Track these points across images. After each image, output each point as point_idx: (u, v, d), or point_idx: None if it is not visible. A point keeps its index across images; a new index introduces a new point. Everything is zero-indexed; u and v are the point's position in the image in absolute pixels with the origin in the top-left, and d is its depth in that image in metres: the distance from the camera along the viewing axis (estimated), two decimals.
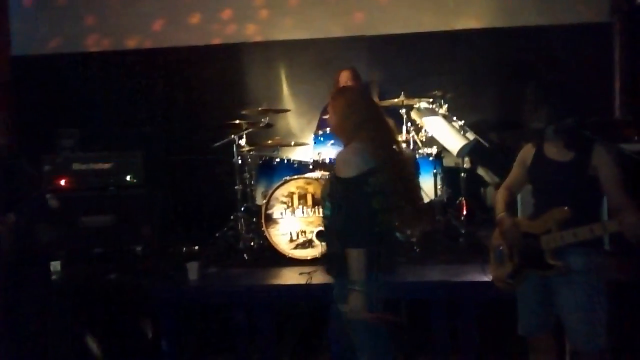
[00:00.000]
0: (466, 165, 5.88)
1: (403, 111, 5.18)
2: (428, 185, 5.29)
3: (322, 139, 5.22)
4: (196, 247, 5.15)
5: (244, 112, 5.40)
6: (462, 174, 5.35)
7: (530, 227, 3.05)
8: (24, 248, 3.67)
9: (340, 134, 2.92)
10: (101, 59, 6.47)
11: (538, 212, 3.05)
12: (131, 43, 6.52)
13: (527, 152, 3.16)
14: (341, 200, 2.72)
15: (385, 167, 2.74)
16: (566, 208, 2.88)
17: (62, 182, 5.31)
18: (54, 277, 4.70)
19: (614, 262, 4.23)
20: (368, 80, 5.84)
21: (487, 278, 3.34)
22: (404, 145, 5.13)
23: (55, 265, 4.91)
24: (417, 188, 3.07)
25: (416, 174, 3.22)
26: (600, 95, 5.92)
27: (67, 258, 4.92)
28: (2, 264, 3.56)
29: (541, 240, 2.96)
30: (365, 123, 2.80)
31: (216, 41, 6.43)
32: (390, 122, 3.09)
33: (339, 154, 2.84)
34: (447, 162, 5.62)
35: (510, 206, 3.25)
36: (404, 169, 2.85)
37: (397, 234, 5.02)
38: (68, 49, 6.51)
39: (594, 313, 2.90)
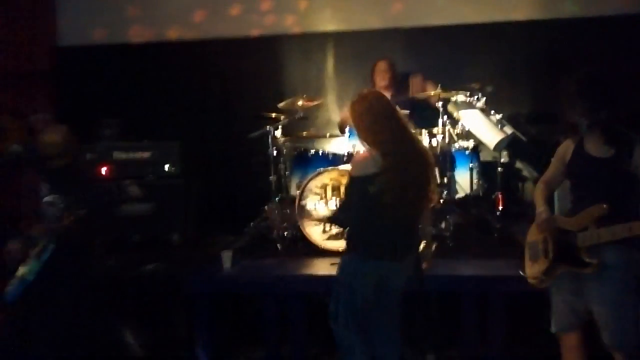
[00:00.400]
0: (504, 159, 5.79)
1: (439, 104, 5.13)
2: (464, 179, 5.27)
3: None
4: (231, 237, 5.24)
5: (279, 104, 5.44)
6: (499, 169, 5.28)
7: (567, 223, 3.02)
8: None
9: (358, 137, 3.24)
10: (143, 50, 6.59)
11: (576, 208, 3.02)
12: (172, 34, 6.62)
13: (566, 147, 3.13)
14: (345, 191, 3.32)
15: (391, 171, 3.00)
16: (604, 205, 2.83)
17: (103, 171, 5.46)
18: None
19: None
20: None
21: (518, 273, 3.32)
22: (433, 140, 5.14)
23: None
24: (429, 186, 3.19)
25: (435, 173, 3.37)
26: None
27: (105, 246, 5.06)
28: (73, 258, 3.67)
29: (577, 238, 2.93)
30: (373, 130, 3.10)
31: (255, 33, 6.47)
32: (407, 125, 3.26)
33: (355, 155, 3.28)
34: (485, 156, 5.56)
35: (550, 201, 3.23)
36: (415, 170, 3.08)
37: (429, 228, 5.03)
38: (111, 39, 6.65)
39: (627, 310, 2.88)
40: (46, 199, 3.67)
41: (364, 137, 3.16)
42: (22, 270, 3.54)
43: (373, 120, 3.09)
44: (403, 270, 3.20)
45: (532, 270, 3.21)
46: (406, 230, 3.17)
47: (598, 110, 2.87)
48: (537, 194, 3.22)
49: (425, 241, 3.33)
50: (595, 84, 2.90)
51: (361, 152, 3.23)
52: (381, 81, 5.64)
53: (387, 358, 3.28)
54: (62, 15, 6.70)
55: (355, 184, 3.12)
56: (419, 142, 3.33)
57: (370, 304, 3.13)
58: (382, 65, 5.64)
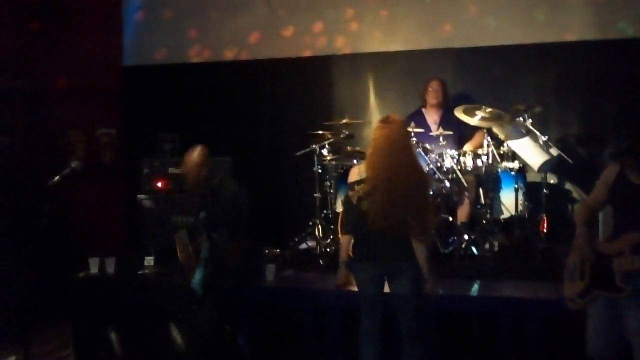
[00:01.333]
0: (552, 180, 5.76)
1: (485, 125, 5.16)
2: (509, 200, 5.27)
3: None
4: (277, 250, 5.41)
5: (326, 123, 5.59)
6: (545, 190, 5.25)
7: (605, 248, 3.03)
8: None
9: None
10: (201, 69, 6.90)
11: (616, 234, 3.03)
12: (229, 54, 6.90)
13: (610, 172, 3.13)
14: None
15: (370, 180, 3.50)
16: None
17: (159, 184, 5.77)
18: (146, 271, 5.15)
19: None
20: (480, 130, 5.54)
21: (556, 296, 3.32)
22: (478, 160, 5.21)
23: (149, 261, 5.36)
24: (416, 202, 3.54)
25: (426, 191, 3.81)
26: None
27: (159, 254, 5.34)
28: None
29: (613, 262, 2.94)
30: (371, 147, 3.64)
31: (307, 53, 6.68)
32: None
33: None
34: (532, 177, 5.53)
35: (591, 224, 3.23)
36: (399, 187, 3.46)
37: (473, 248, 5.06)
38: (172, 59, 7.00)
39: None
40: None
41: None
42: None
43: (374, 140, 3.63)
44: (401, 272, 3.53)
45: (569, 291, 3.21)
46: (388, 237, 3.49)
47: (632, 138, 2.86)
48: (578, 215, 3.25)
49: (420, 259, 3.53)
50: (635, 110, 2.91)
51: None
52: (433, 99, 5.70)
53: (408, 350, 3.59)
54: (127, 36, 7.11)
55: (348, 189, 3.72)
56: (414, 166, 3.65)
57: (376, 301, 3.64)
58: (434, 85, 5.70)
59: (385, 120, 3.66)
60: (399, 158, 3.52)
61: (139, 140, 6.65)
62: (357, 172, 3.70)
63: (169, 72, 6.92)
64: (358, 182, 3.56)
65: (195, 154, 4.34)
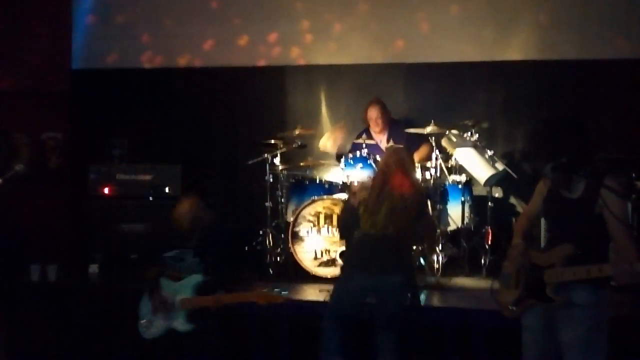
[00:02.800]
0: (498, 194, 5.92)
1: (432, 139, 5.26)
2: (456, 213, 5.38)
3: (352, 161, 5.36)
4: None
5: (279, 133, 5.60)
6: (490, 203, 5.38)
7: (538, 258, 3.09)
8: None
9: None
10: (153, 75, 6.83)
11: (549, 245, 3.10)
12: (182, 61, 6.85)
13: (544, 185, 3.21)
14: None
15: (370, 189, 3.88)
16: (571, 245, 2.91)
17: (106, 190, 5.65)
18: (90, 279, 5.04)
19: (624, 298, 4.22)
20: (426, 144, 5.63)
21: (500, 307, 3.39)
22: (427, 173, 5.33)
23: (94, 268, 5.24)
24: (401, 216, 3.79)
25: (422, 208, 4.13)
26: (638, 131, 5.84)
27: (105, 261, 5.22)
28: None
29: (544, 274, 3.01)
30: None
31: (261, 63, 6.68)
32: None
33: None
34: (478, 190, 5.67)
35: (529, 235, 3.31)
36: (396, 199, 3.77)
37: (421, 259, 5.15)
38: (124, 64, 6.90)
39: (594, 349, 2.91)
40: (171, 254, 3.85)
41: None
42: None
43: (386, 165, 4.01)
44: (389, 284, 3.64)
45: (503, 298, 3.26)
46: (384, 246, 3.65)
47: (562, 154, 2.94)
48: (516, 226, 3.30)
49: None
50: (558, 128, 3.00)
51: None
52: (375, 127, 5.71)
53: None
54: (77, 39, 6.96)
55: (348, 199, 4.09)
56: (410, 181, 3.92)
57: (353, 312, 3.73)
58: (373, 113, 5.66)
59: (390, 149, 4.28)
60: (404, 180, 3.86)
61: (87, 145, 6.53)
62: (362, 185, 4.10)
63: (120, 76, 6.83)
64: (360, 190, 3.95)
65: (187, 206, 3.92)
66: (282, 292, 3.68)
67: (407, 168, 3.99)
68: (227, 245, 3.95)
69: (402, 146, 4.17)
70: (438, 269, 5.01)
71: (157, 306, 3.70)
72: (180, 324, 3.68)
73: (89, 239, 5.60)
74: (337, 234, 4.96)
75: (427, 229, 4.20)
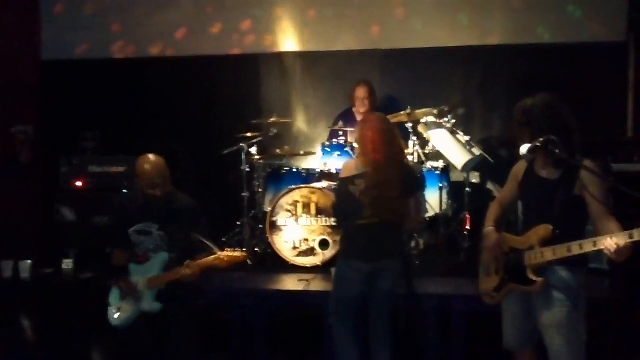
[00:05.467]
0: (475, 180, 5.92)
1: (409, 125, 5.24)
2: (434, 199, 5.37)
3: (329, 149, 5.33)
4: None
5: (255, 122, 5.53)
6: (467, 189, 5.38)
7: (516, 242, 3.10)
8: None
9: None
10: (125, 65, 6.70)
11: (525, 228, 3.10)
12: (154, 50, 6.73)
13: (519, 168, 3.20)
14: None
15: (369, 175, 3.59)
16: (549, 226, 2.91)
17: (79, 183, 5.54)
18: (64, 273, 4.94)
19: (608, 281, 4.26)
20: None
21: (479, 292, 3.39)
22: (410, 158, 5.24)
23: (67, 264, 5.14)
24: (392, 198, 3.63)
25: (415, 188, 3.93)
26: (613, 114, 5.89)
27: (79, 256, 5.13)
28: None
29: (524, 256, 3.01)
30: (360, 144, 3.75)
31: (235, 51, 6.59)
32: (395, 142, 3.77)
33: (345, 162, 4.02)
34: (456, 176, 5.66)
35: (502, 220, 3.30)
36: (392, 180, 3.61)
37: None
38: (94, 55, 6.76)
39: (573, 331, 2.93)
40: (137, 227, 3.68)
41: (357, 150, 3.88)
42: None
43: (361, 136, 3.72)
44: (387, 271, 3.60)
45: (484, 286, 3.28)
46: (384, 233, 3.58)
47: (540, 136, 2.93)
48: (489, 212, 3.29)
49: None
50: (537, 111, 2.98)
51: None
52: (361, 107, 5.71)
53: (378, 354, 3.68)
54: (46, 30, 6.80)
55: (341, 185, 3.74)
56: (400, 159, 3.77)
57: (357, 302, 3.63)
58: (361, 92, 5.68)
59: (369, 117, 3.87)
60: (393, 149, 3.67)
61: (58, 138, 6.40)
62: (353, 167, 3.69)
63: (90, 67, 6.69)
64: (358, 177, 3.60)
65: (154, 157, 3.73)
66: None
67: (391, 133, 3.73)
68: (192, 217, 3.72)
69: (382, 115, 3.91)
70: (416, 255, 5.00)
71: (126, 292, 3.61)
72: (149, 304, 3.56)
73: (63, 233, 5.48)
74: (314, 222, 4.93)
75: (417, 211, 4.04)
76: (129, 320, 3.62)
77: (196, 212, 3.76)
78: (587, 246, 2.78)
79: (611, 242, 2.66)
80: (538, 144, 2.90)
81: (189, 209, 3.75)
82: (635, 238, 2.61)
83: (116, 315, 3.63)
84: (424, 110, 5.34)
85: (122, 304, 3.63)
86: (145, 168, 3.64)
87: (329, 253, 4.88)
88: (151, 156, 3.70)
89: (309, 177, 5.36)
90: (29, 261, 4.96)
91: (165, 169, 3.69)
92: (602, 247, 2.70)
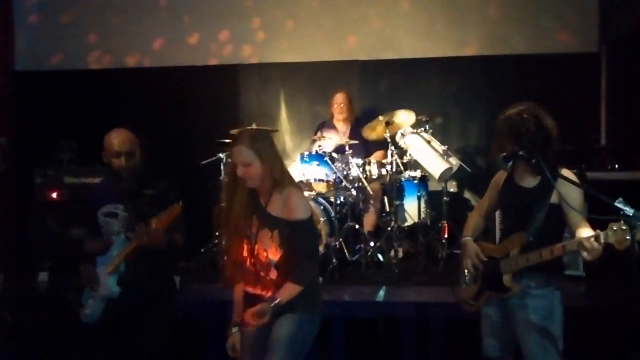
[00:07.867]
0: (453, 189, 5.97)
1: (387, 135, 5.27)
2: (412, 208, 5.40)
3: (307, 159, 5.32)
4: (182, 262, 5.25)
5: (232, 131, 5.51)
6: (445, 198, 5.42)
7: (492, 251, 3.12)
8: None
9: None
10: (101, 76, 6.64)
11: (503, 236, 3.12)
12: (131, 61, 6.70)
13: (499, 177, 3.23)
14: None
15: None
16: (524, 233, 2.94)
17: (54, 195, 5.45)
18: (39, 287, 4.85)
19: (585, 287, 4.30)
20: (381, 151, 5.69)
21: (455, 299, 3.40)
22: (383, 170, 5.33)
23: (43, 276, 5.05)
24: None
25: None
26: (586, 123, 5.99)
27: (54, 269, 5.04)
28: None
29: (500, 264, 3.03)
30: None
31: (213, 62, 6.59)
32: None
33: (296, 197, 3.02)
34: (434, 185, 5.70)
35: (480, 230, 3.32)
36: None
37: (379, 255, 5.16)
38: (70, 65, 6.69)
39: (548, 338, 2.94)
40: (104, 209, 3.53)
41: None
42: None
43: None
44: None
45: (463, 295, 3.29)
46: None
47: (522, 145, 2.96)
48: (467, 222, 3.31)
49: None
50: (521, 121, 3.00)
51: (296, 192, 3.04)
52: (338, 115, 5.76)
53: None
54: (19, 40, 6.72)
55: (312, 225, 3.13)
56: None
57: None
58: (339, 99, 5.73)
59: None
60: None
61: (33, 149, 6.30)
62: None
63: (65, 78, 6.62)
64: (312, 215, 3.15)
65: (120, 128, 3.61)
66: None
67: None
68: (164, 202, 3.46)
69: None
70: (396, 264, 5.01)
71: (85, 278, 3.45)
72: (107, 290, 3.41)
73: (37, 245, 5.38)
74: None
75: None
76: (97, 310, 3.46)
77: (169, 198, 3.51)
78: (557, 250, 2.79)
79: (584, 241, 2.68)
80: (520, 154, 2.93)
81: (161, 192, 3.56)
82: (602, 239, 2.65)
83: (87, 311, 3.53)
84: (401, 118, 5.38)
85: (90, 299, 3.53)
86: (109, 137, 3.51)
87: None
88: (117, 128, 3.56)
89: None
90: (1, 274, 4.85)
91: (132, 138, 3.54)
92: (572, 249, 2.73)
